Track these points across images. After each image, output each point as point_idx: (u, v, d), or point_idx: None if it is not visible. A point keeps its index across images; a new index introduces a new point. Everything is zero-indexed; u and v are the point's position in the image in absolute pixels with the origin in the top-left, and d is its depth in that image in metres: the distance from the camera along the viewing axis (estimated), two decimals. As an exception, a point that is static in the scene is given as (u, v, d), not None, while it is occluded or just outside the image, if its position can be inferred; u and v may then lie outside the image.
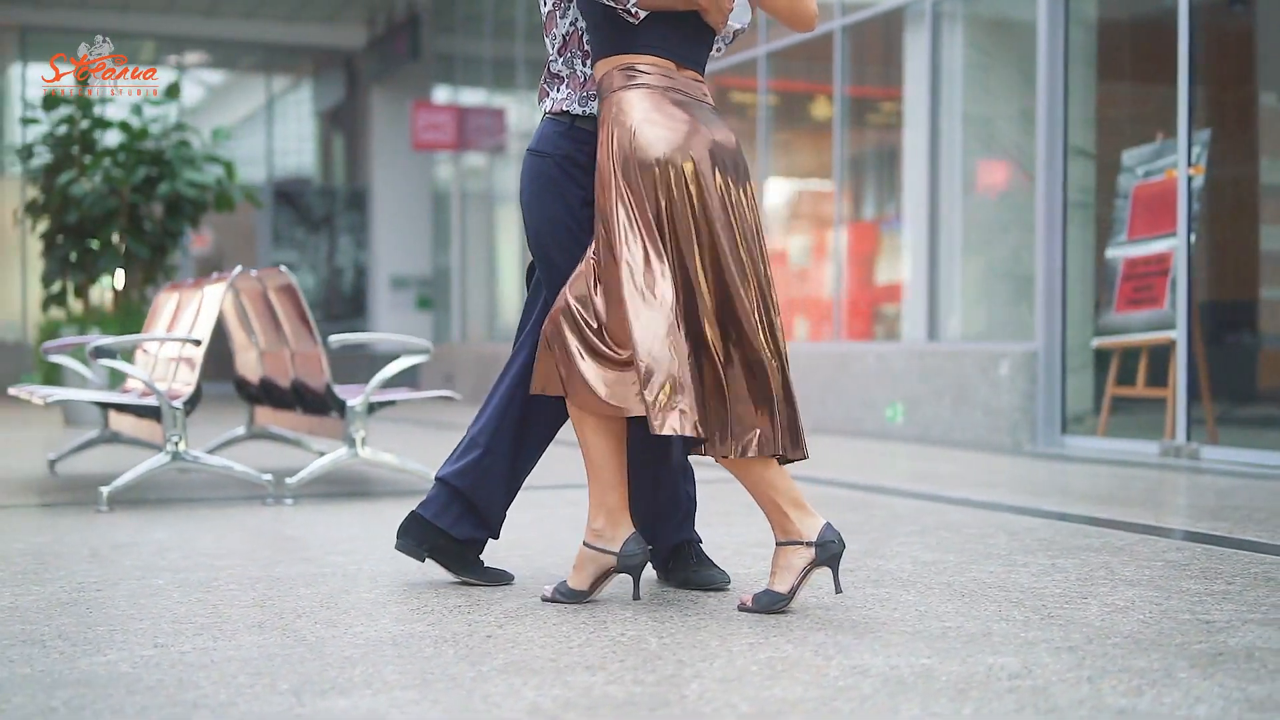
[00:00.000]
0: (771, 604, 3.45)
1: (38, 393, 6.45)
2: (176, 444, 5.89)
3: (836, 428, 10.36)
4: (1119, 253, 8.92)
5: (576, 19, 3.69)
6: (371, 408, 6.19)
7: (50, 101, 11.92)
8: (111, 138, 12.51)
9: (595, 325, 3.46)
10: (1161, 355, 8.49)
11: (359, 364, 16.35)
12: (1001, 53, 10.14)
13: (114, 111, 12.99)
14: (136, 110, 12.11)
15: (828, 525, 3.47)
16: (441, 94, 19.05)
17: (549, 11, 3.74)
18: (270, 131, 21.76)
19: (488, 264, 18.16)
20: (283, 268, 6.34)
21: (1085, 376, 9.30)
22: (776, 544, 3.49)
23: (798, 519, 3.45)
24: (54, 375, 11.23)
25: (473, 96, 18.45)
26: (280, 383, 6.87)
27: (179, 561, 4.43)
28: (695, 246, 3.41)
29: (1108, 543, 4.74)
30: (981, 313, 10.31)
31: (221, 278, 6.39)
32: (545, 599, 3.62)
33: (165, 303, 7.55)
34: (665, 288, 3.39)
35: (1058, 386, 8.92)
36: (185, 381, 6.10)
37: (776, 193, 12.83)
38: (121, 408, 6.52)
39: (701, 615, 3.48)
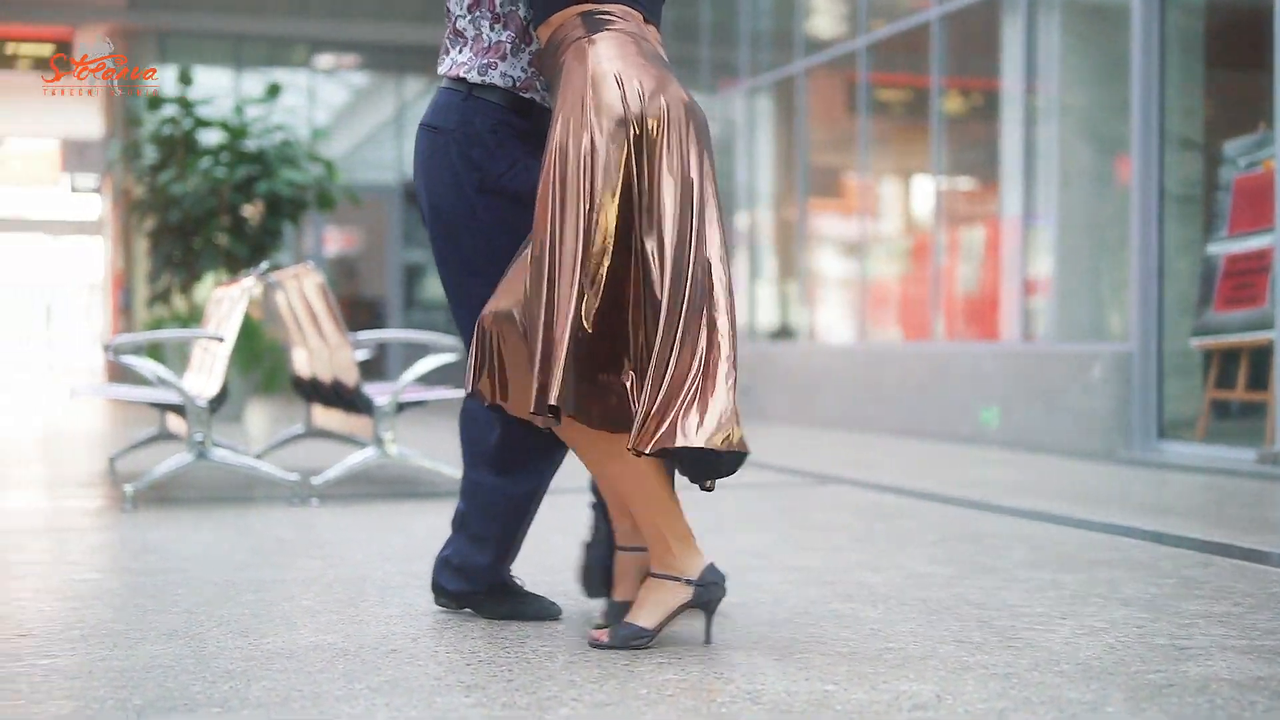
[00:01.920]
0: (632, 639, 3.04)
1: (81, 389, 6.45)
2: (201, 442, 5.82)
3: (932, 431, 10.02)
4: (1220, 249, 8.46)
5: None
6: (401, 407, 6.07)
7: (154, 102, 12.07)
8: (212, 137, 12.63)
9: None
10: (1263, 357, 8.03)
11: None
12: (1098, 39, 9.71)
13: (214, 110, 13.12)
14: (238, 109, 12.21)
15: (711, 565, 3.11)
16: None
17: None
18: (401, 133, 21.91)
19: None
20: (310, 263, 6.25)
21: (1187, 379, 8.84)
22: (650, 574, 3.11)
23: (680, 552, 3.09)
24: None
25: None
26: (325, 380, 6.79)
27: (156, 564, 4.34)
28: (661, 209, 2.98)
29: (1127, 556, 4.42)
30: (1081, 312, 9.88)
31: (252, 276, 6.33)
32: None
33: (220, 299, 7.52)
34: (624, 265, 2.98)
35: (1153, 390, 8.48)
36: (212, 379, 6.04)
37: (884, 189, 12.50)
38: (159, 406, 6.49)
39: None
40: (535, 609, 3.42)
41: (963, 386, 9.87)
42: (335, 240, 20.74)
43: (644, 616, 3.08)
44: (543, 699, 2.64)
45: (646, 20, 3.18)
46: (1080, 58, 9.80)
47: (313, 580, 4.01)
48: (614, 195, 2.96)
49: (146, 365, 5.85)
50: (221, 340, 5.97)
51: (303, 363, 7.41)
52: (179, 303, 12.69)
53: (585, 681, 2.77)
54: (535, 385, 2.96)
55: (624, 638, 3.06)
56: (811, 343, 12.65)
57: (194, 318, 11.94)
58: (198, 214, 11.86)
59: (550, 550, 4.56)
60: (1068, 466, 7.76)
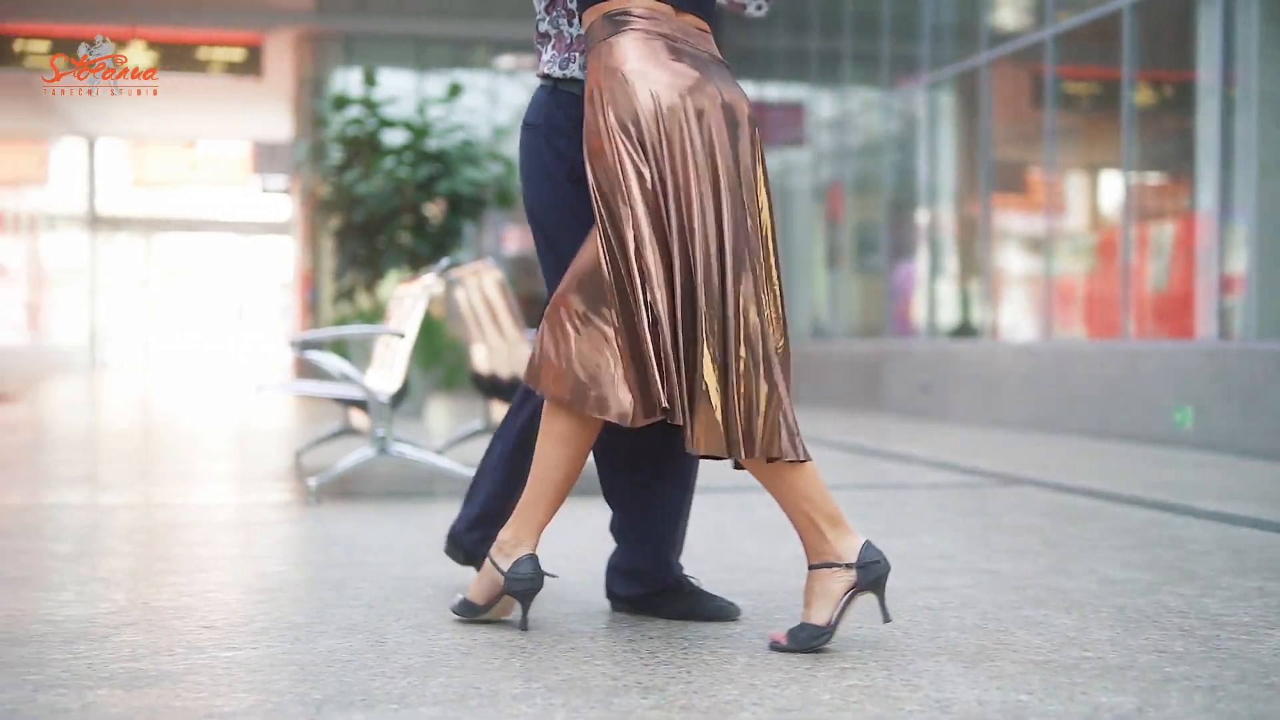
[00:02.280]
0: (811, 640, 2.96)
1: (267, 385, 6.56)
2: (383, 438, 5.87)
3: (1122, 432, 9.71)
4: None
5: None
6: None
7: (339, 102, 12.27)
8: (396, 137, 12.80)
9: (587, 315, 3.04)
10: None
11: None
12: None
13: (398, 111, 13.30)
14: (420, 110, 12.36)
15: (868, 544, 3.01)
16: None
17: None
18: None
19: (783, 261, 17.89)
20: (490, 260, 6.26)
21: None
22: (810, 568, 3.03)
23: (835, 538, 3.00)
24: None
25: (768, 91, 18.23)
26: (504, 376, 6.81)
27: (338, 557, 4.37)
28: (699, 216, 2.96)
29: (1339, 566, 4.20)
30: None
31: (433, 273, 6.36)
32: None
33: (404, 296, 7.59)
34: (658, 270, 2.96)
35: (1359, 390, 8.11)
36: (393, 375, 6.08)
37: (1071, 184, 12.17)
38: (342, 402, 6.56)
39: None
40: (712, 608, 3.36)
41: (1155, 386, 9.55)
42: (515, 238, 20.93)
43: (815, 614, 2.99)
44: (722, 702, 2.57)
45: (681, 10, 3.11)
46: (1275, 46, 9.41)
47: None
48: (630, 205, 2.97)
49: (330, 361, 5.92)
50: (402, 337, 6.01)
51: (482, 359, 7.44)
52: (363, 300, 12.89)
53: (766, 685, 2.69)
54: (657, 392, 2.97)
55: (802, 640, 2.97)
56: (994, 341, 12.38)
57: (378, 315, 12.12)
58: (381, 213, 12.03)
59: (729, 549, 4.48)
60: (1269, 469, 7.44)
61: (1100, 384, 10.11)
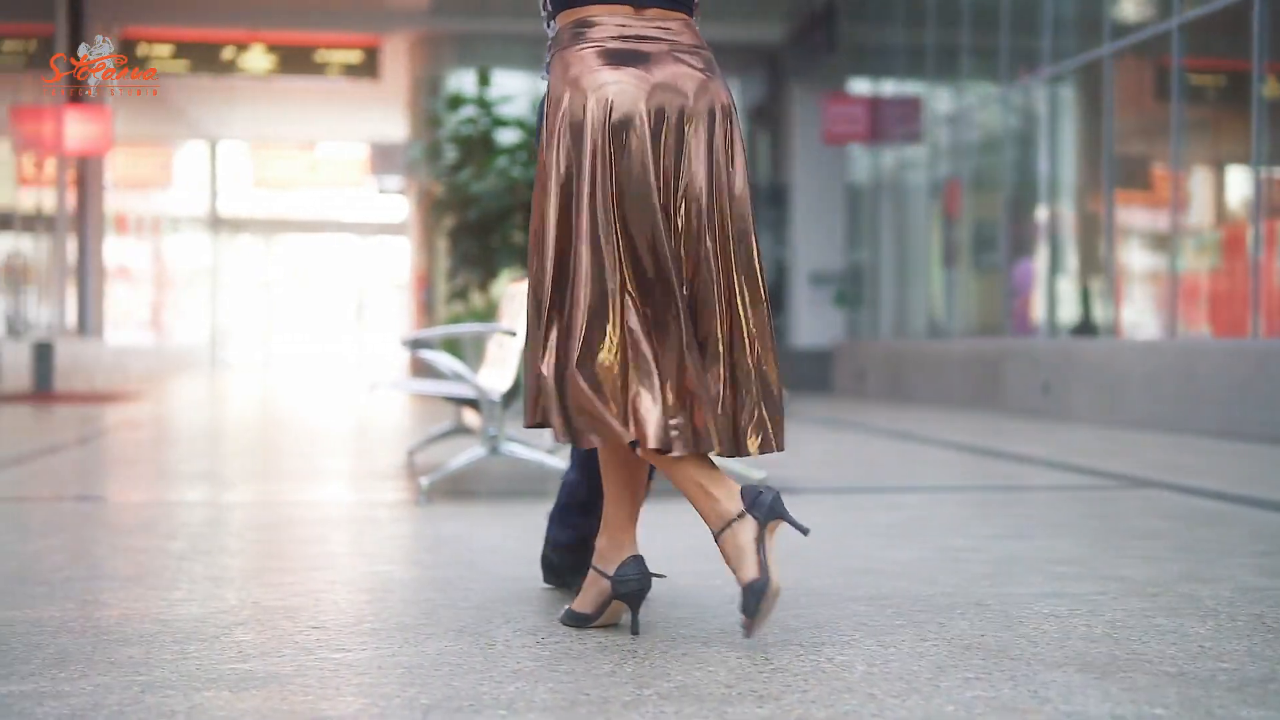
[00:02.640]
0: (758, 601, 2.88)
1: (380, 384, 6.56)
2: (494, 437, 5.83)
3: (1253, 433, 9.43)
4: None
5: None
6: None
7: (454, 102, 12.31)
8: (509, 136, 12.82)
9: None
10: None
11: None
12: None
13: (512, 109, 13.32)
14: (533, 108, 12.35)
15: (744, 487, 2.97)
16: (858, 85, 18.69)
17: None
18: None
19: (899, 259, 17.69)
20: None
21: None
22: (715, 536, 2.95)
23: (722, 496, 2.95)
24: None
25: (886, 86, 18.02)
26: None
27: (448, 558, 4.33)
28: (632, 213, 2.99)
29: None
30: None
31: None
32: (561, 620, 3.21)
33: (515, 294, 7.56)
34: (605, 275, 2.97)
35: None
36: (505, 374, 6.05)
37: (1196, 179, 11.86)
38: (454, 400, 6.54)
39: (914, 641, 3.06)
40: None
41: (1286, 386, 9.26)
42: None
43: (743, 572, 2.92)
44: (841, 713, 2.48)
45: (639, 8, 3.10)
46: None
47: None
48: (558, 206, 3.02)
49: (442, 360, 5.90)
50: (514, 335, 5.97)
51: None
52: (477, 299, 12.92)
53: (886, 695, 2.59)
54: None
55: (752, 607, 2.90)
56: (1117, 339, 12.10)
57: (491, 313, 12.14)
58: (494, 212, 12.06)
59: (848, 553, 4.38)
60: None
61: (1228, 383, 9.83)
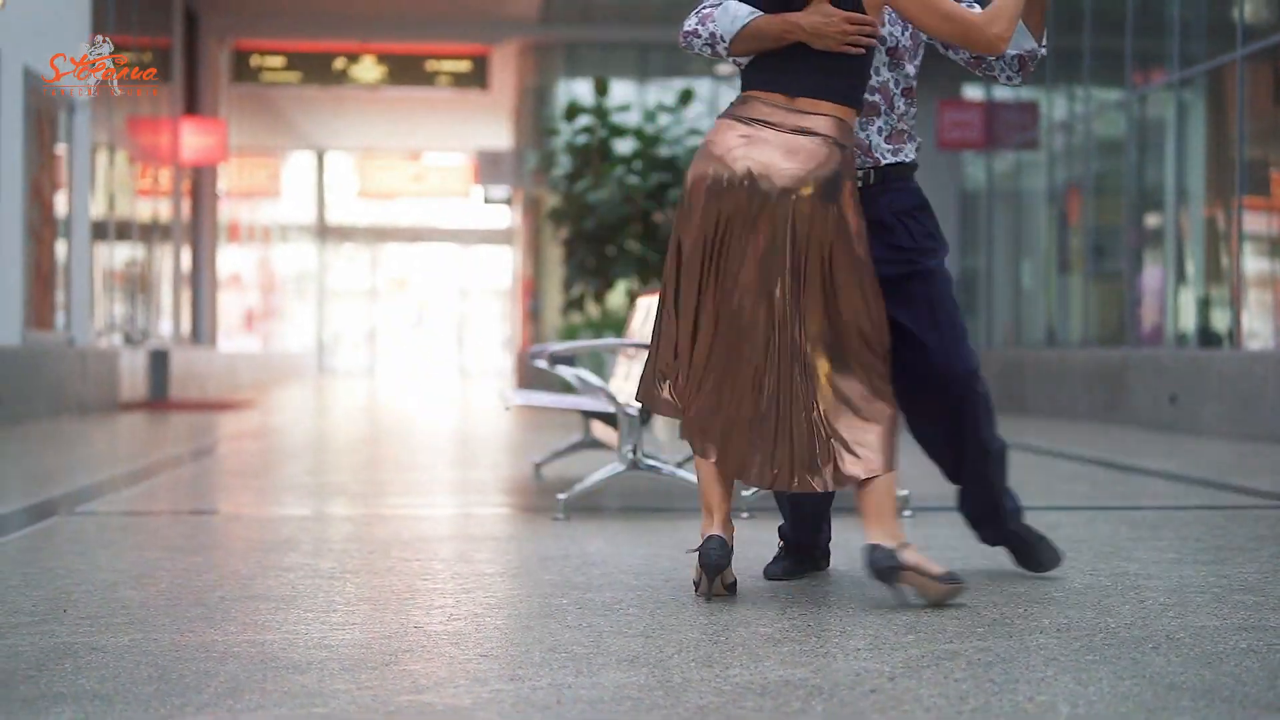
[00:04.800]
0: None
1: (509, 397, 6.49)
2: (633, 452, 5.74)
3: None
4: None
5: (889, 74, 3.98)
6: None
7: (571, 111, 12.27)
8: (626, 145, 12.75)
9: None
10: None
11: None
12: None
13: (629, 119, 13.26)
14: (650, 117, 12.29)
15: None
16: (972, 91, 18.43)
17: None
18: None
19: (1013, 265, 17.40)
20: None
21: None
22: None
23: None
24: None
25: (1000, 91, 17.74)
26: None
27: (600, 579, 4.23)
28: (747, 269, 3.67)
29: None
30: None
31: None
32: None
33: (645, 307, 7.48)
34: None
35: None
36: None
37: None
38: (585, 414, 6.46)
39: (1113, 680, 2.91)
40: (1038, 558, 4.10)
41: None
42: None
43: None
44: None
45: (792, 97, 3.67)
46: None
47: (765, 603, 3.80)
48: (703, 277, 3.73)
49: (579, 374, 5.81)
50: (646, 349, 5.86)
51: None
52: (592, 309, 12.87)
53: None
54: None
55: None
56: (1249, 349, 11.77)
57: (607, 324, 12.08)
58: (611, 221, 11.99)
59: (1012, 577, 4.23)
60: None
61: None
